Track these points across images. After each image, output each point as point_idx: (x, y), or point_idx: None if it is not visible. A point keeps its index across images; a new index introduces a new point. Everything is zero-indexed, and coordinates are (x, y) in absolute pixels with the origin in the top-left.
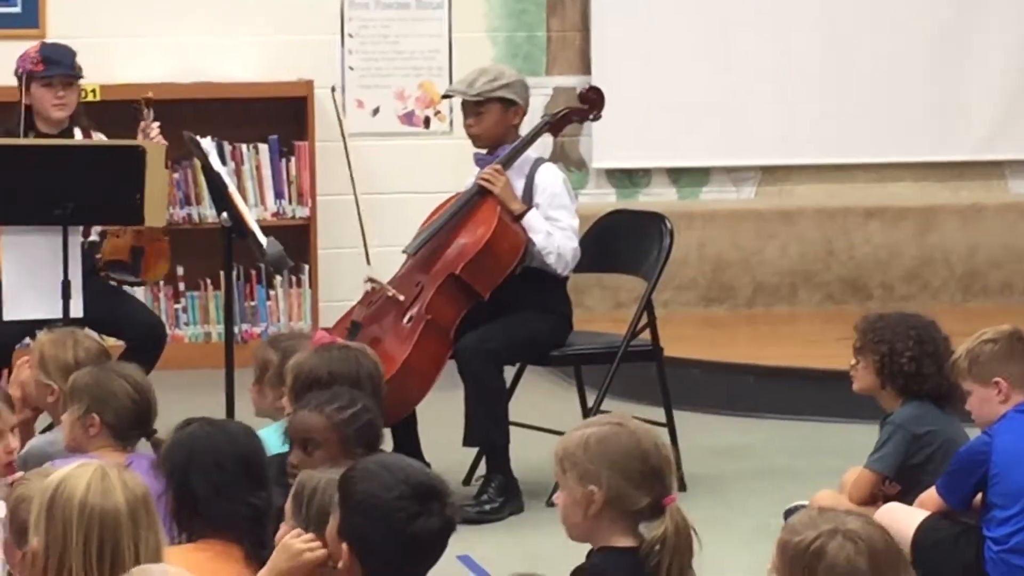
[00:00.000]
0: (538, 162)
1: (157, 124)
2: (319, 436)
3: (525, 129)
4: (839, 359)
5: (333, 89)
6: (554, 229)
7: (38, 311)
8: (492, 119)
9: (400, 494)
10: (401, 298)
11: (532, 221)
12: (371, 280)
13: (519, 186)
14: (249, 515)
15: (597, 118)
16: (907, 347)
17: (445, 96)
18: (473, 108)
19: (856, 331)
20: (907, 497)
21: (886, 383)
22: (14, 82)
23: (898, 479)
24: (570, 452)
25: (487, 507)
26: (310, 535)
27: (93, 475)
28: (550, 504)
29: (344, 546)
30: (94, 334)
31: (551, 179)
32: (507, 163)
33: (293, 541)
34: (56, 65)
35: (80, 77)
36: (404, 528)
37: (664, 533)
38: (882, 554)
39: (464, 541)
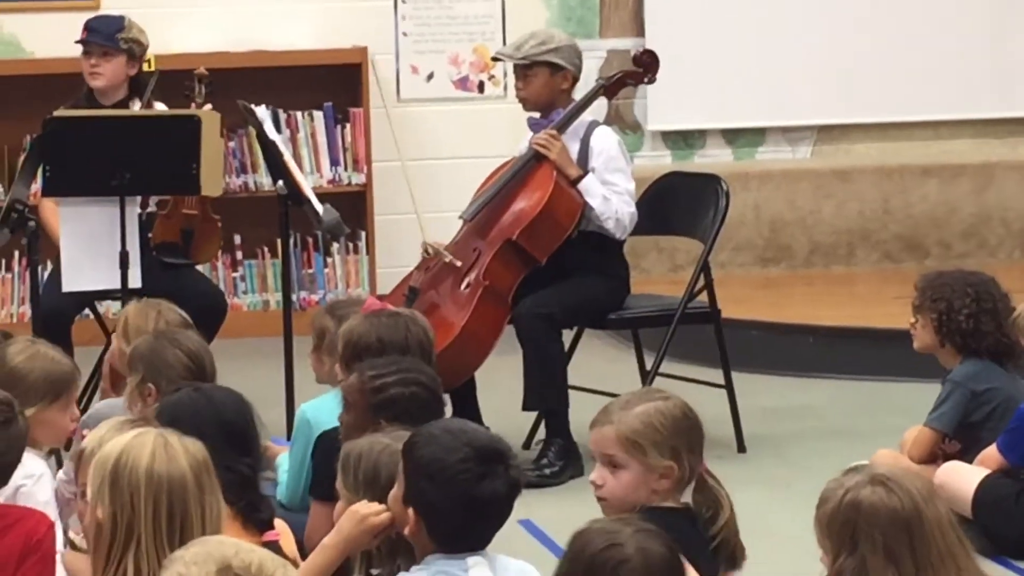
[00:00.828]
0: (593, 125)
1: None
2: (350, 398)
3: (580, 93)
4: (897, 318)
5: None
6: (611, 193)
7: (96, 282)
8: (540, 83)
9: (464, 456)
10: (458, 264)
11: (589, 186)
12: (428, 245)
13: (574, 150)
14: (235, 481)
15: (652, 81)
16: (965, 304)
17: (494, 59)
18: (521, 71)
19: (915, 289)
20: (967, 455)
21: (945, 341)
22: (70, 53)
23: (958, 437)
24: (642, 431)
25: (547, 471)
26: (376, 504)
27: (156, 442)
28: None
29: (410, 511)
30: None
31: (607, 142)
32: (562, 128)
33: (358, 507)
34: (92, 33)
35: (120, 48)
36: (469, 491)
37: (718, 496)
38: (917, 492)
39: (525, 505)
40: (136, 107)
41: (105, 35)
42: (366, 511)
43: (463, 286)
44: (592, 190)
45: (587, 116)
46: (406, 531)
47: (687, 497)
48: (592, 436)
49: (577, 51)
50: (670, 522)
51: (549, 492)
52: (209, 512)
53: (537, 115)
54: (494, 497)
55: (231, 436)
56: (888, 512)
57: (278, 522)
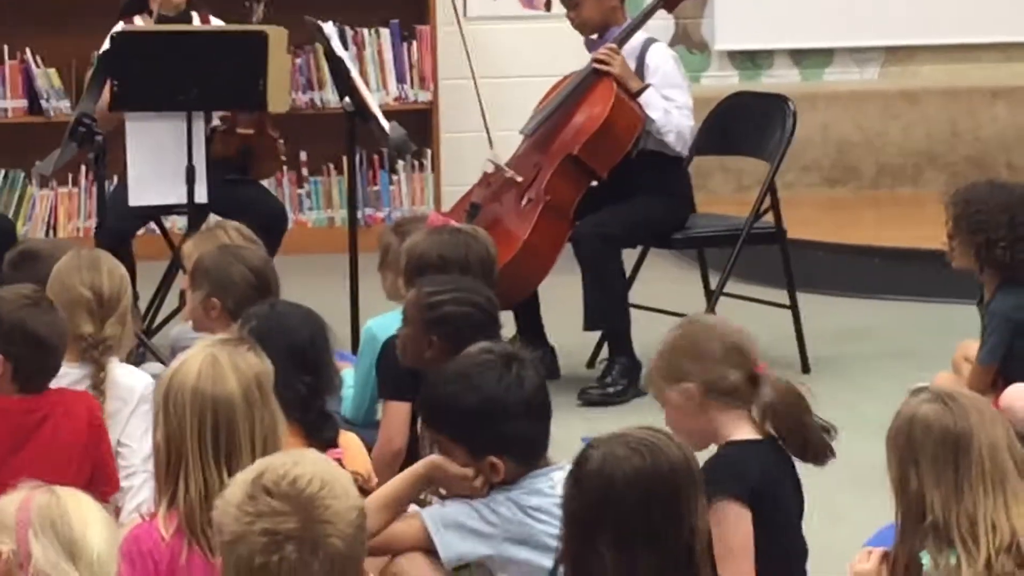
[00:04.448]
0: (649, 42)
1: None
2: (408, 313)
3: (632, 10)
4: None
5: None
6: (671, 107)
7: (163, 197)
8: (589, 7)
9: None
10: (519, 179)
11: (650, 99)
12: (491, 161)
13: (630, 66)
14: (294, 399)
15: None
16: (1001, 237)
17: None
18: (570, 1)
19: (946, 211)
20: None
21: (984, 267)
22: None
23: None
24: (654, 367)
25: (611, 390)
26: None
27: (204, 362)
28: None
29: (490, 459)
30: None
31: (663, 58)
32: (620, 43)
33: (447, 464)
34: None
35: None
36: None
37: (764, 399)
38: (976, 412)
39: (588, 421)
40: (195, 21)
41: None
42: (456, 472)
43: (524, 202)
44: (653, 103)
45: (643, 34)
46: (495, 480)
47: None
48: None
49: None
50: (751, 453)
51: (612, 410)
52: (260, 427)
53: (594, 36)
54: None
55: (293, 354)
56: (940, 428)
57: (348, 436)
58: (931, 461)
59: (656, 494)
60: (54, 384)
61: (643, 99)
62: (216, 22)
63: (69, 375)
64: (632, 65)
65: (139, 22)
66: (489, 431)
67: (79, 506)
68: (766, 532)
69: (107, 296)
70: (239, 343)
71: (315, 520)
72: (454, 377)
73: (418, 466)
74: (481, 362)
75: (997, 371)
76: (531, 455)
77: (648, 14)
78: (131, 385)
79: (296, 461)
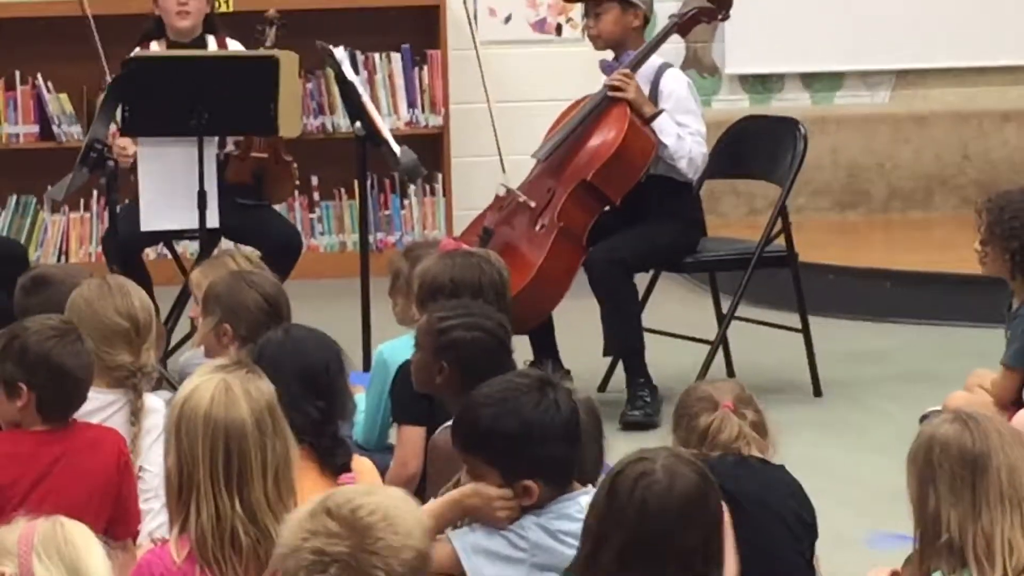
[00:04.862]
0: (663, 67)
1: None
2: (419, 338)
3: (652, 35)
4: (974, 263)
5: None
6: (684, 133)
7: (175, 221)
8: (610, 19)
9: (522, 387)
10: (532, 204)
11: (663, 124)
12: (503, 186)
13: (644, 91)
14: (305, 424)
15: (726, 18)
16: None
17: None
18: (591, 8)
19: (980, 218)
20: None
21: (1016, 274)
22: None
23: None
24: None
25: (649, 411)
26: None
27: (217, 387)
28: None
29: (527, 482)
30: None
31: (677, 84)
32: (635, 67)
33: (488, 490)
34: None
35: None
36: (562, 421)
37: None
38: (996, 433)
39: (630, 445)
40: (211, 44)
41: None
42: (495, 494)
43: (538, 227)
44: (666, 129)
45: (658, 59)
46: (528, 503)
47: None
48: None
49: None
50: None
51: (651, 434)
52: (271, 455)
53: (609, 57)
54: (575, 412)
55: (306, 379)
56: (958, 447)
57: (362, 461)
58: (949, 480)
59: (691, 518)
60: (87, 409)
61: (656, 124)
62: (234, 45)
63: (97, 400)
64: (646, 89)
65: (155, 47)
66: (526, 454)
67: (82, 532)
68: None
69: (142, 323)
70: (240, 367)
71: (365, 549)
72: (491, 401)
73: (455, 493)
74: (517, 386)
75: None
76: (563, 479)
77: (662, 39)
78: (157, 410)
79: (369, 492)
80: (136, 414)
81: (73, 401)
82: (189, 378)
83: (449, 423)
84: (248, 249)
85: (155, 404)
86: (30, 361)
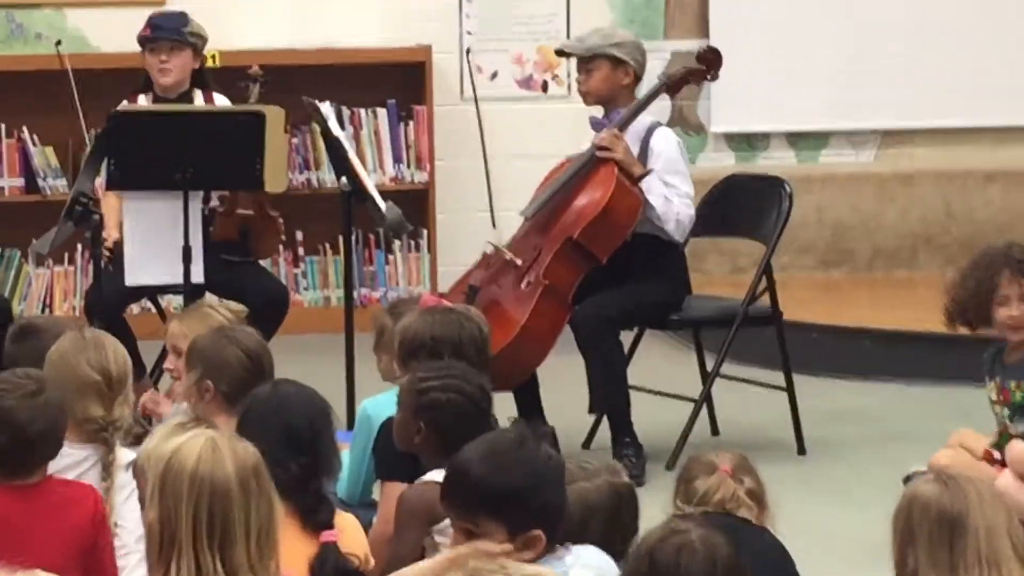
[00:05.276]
0: (654, 126)
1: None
2: (401, 397)
3: (641, 94)
4: None
5: (467, 51)
6: (671, 195)
7: (160, 276)
8: (601, 76)
9: (513, 440)
10: (519, 262)
11: (651, 185)
12: (490, 243)
13: (634, 150)
14: (287, 481)
15: (714, 78)
16: None
17: (558, 53)
18: (583, 64)
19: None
20: None
21: None
22: (135, 48)
23: None
24: None
25: (635, 472)
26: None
27: (204, 446)
28: (669, 468)
29: (535, 532)
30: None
31: (667, 144)
32: (623, 126)
33: (488, 546)
34: (160, 30)
35: (188, 42)
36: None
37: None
38: (975, 494)
39: None
40: (198, 99)
41: (172, 30)
42: (498, 550)
43: (523, 284)
44: (654, 190)
45: (648, 117)
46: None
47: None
48: None
49: (640, 48)
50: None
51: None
52: (255, 516)
53: (599, 115)
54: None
55: (289, 435)
56: (937, 508)
57: (345, 517)
58: (927, 541)
59: None
60: (61, 464)
61: (644, 184)
62: (221, 100)
63: (71, 455)
64: (635, 148)
65: (142, 100)
66: (533, 504)
67: None
68: None
69: (115, 377)
70: (199, 425)
71: None
72: (485, 458)
73: (450, 554)
74: (508, 439)
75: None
76: (559, 528)
77: (651, 98)
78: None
79: None
80: (108, 468)
81: (35, 459)
82: (153, 437)
83: (422, 479)
84: (236, 306)
85: (130, 458)
86: None
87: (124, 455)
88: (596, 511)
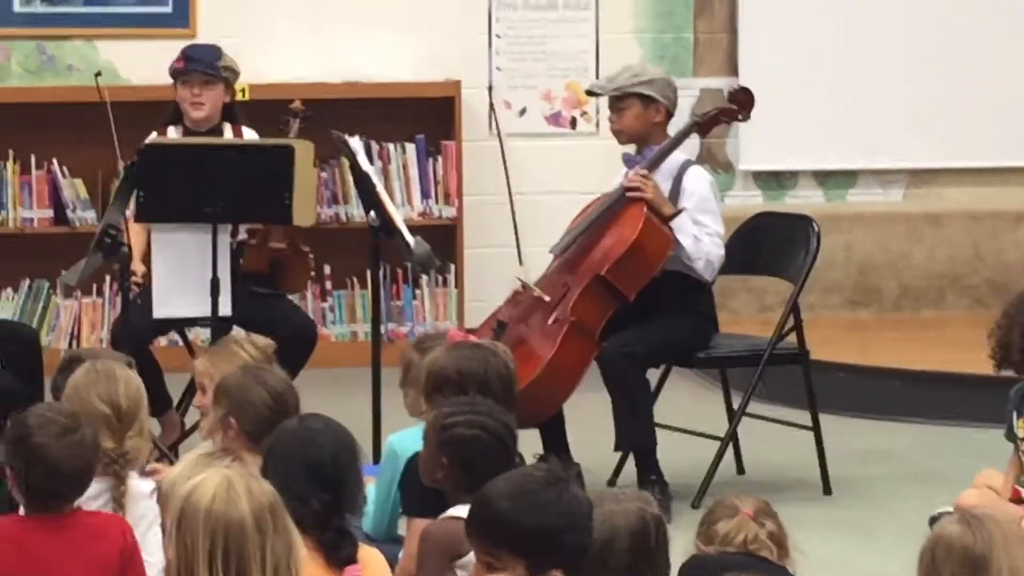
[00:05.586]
0: (686, 164)
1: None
2: (427, 432)
3: (673, 130)
4: (987, 363)
5: (490, 88)
6: (702, 234)
7: (187, 309)
8: (632, 115)
9: (540, 479)
10: (547, 298)
11: (682, 224)
12: (519, 279)
13: (666, 188)
14: (307, 515)
15: (746, 119)
16: None
17: (589, 93)
18: (614, 103)
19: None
20: None
21: None
22: (165, 81)
23: None
24: None
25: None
26: None
27: (219, 484)
28: (695, 507)
29: (556, 574)
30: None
31: (700, 183)
32: (654, 165)
33: None
34: (193, 63)
35: (221, 77)
36: (584, 512)
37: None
38: (999, 534)
39: None
40: (228, 133)
41: (206, 64)
42: None
43: (551, 320)
44: (685, 229)
45: (681, 155)
46: None
47: None
48: None
49: (671, 85)
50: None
51: None
52: (271, 555)
53: (631, 150)
54: (589, 503)
55: (312, 470)
56: (961, 548)
57: (370, 551)
58: None
59: None
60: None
61: (675, 224)
62: (249, 134)
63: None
64: (667, 186)
65: (172, 133)
66: (557, 545)
67: None
68: None
69: (125, 410)
70: (227, 455)
71: None
72: (514, 495)
73: None
74: (537, 479)
75: None
76: (580, 568)
77: (682, 138)
78: (149, 497)
79: None
80: (119, 501)
81: (66, 494)
82: (178, 465)
83: (445, 515)
84: (263, 341)
85: (147, 489)
86: (19, 448)
87: (140, 486)
88: (620, 532)
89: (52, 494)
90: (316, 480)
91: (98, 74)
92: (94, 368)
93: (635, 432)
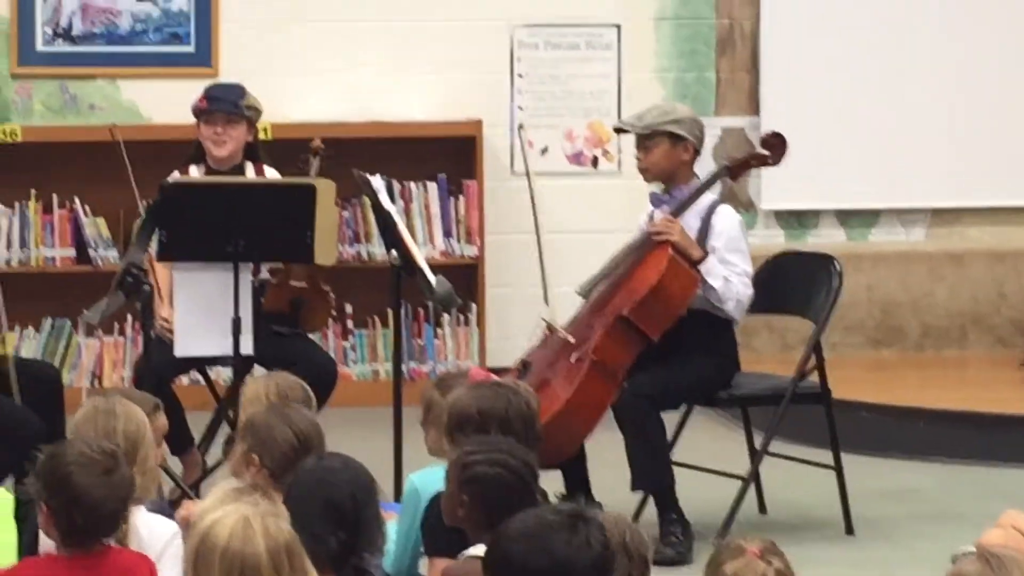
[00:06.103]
0: (715, 204)
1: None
2: (448, 469)
3: (700, 168)
4: (1010, 403)
5: (520, 127)
6: (731, 275)
7: (209, 348)
8: (660, 153)
9: (554, 523)
10: (572, 339)
11: (711, 267)
12: (543, 320)
13: (694, 227)
14: (323, 554)
15: (777, 164)
16: None
17: (617, 130)
18: (642, 141)
19: None
20: None
21: None
22: (187, 120)
23: None
24: None
25: (682, 549)
26: None
27: (236, 522)
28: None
29: None
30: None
31: (729, 222)
32: (680, 210)
33: None
34: (216, 102)
35: (243, 115)
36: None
37: None
38: (1015, 570)
39: None
40: (250, 171)
41: (229, 103)
42: None
43: (573, 359)
44: (714, 271)
45: (710, 195)
46: None
47: None
48: None
49: (699, 123)
50: None
51: (682, 571)
52: None
53: (660, 190)
54: (607, 547)
55: (329, 509)
56: None
57: None
58: None
59: None
60: None
61: (703, 267)
62: (271, 172)
63: None
64: (696, 225)
65: (194, 171)
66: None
67: None
68: None
69: (123, 448)
70: (255, 492)
71: None
72: (523, 536)
73: None
74: (549, 522)
75: None
76: None
77: (712, 181)
78: (156, 535)
79: None
80: (121, 542)
81: (100, 530)
82: (207, 499)
83: (465, 554)
84: (292, 380)
85: (156, 529)
86: (60, 488)
87: (145, 523)
88: None
89: (91, 533)
90: (333, 519)
91: (113, 125)
92: (94, 404)
93: (652, 472)
